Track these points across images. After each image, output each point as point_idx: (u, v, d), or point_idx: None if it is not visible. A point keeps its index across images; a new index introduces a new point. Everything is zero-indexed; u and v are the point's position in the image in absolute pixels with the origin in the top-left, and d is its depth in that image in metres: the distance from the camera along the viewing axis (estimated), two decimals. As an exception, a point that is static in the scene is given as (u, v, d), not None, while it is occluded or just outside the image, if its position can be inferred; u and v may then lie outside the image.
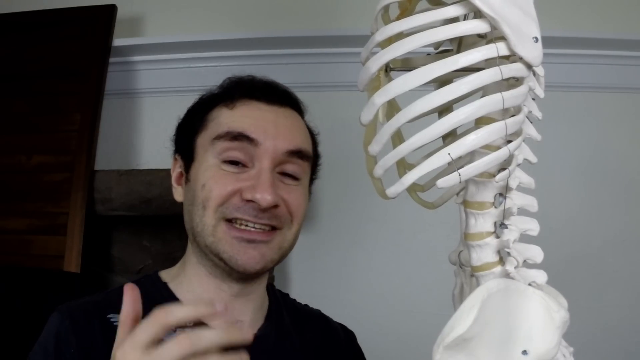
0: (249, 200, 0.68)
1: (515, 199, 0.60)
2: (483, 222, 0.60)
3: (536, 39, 0.53)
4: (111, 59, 1.54)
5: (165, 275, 0.77)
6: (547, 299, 0.58)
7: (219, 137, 0.71)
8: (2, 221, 1.44)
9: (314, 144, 0.80)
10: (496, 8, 0.51)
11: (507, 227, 0.59)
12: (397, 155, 0.54)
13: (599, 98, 1.59)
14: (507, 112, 0.56)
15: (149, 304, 0.71)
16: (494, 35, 0.54)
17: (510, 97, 0.53)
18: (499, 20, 0.51)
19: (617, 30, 1.57)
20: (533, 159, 0.61)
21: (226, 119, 0.72)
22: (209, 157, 0.71)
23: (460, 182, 0.54)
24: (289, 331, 0.79)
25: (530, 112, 0.60)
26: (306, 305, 0.89)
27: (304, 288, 1.61)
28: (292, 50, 1.59)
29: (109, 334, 0.66)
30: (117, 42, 1.56)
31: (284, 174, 0.73)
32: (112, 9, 1.55)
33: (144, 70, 1.64)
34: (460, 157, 0.54)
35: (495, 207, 0.60)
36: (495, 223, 0.60)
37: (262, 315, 0.78)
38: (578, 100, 1.59)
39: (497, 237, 0.60)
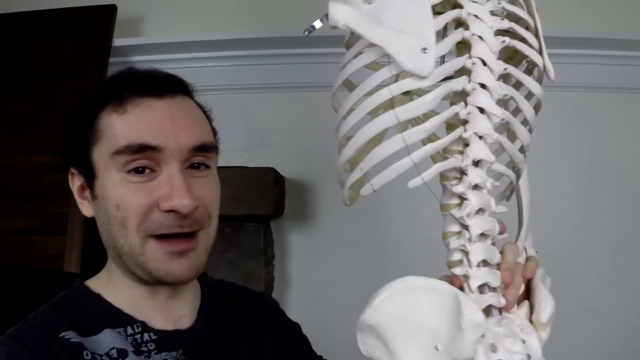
0: (168, 211, 0.65)
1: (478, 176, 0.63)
2: (451, 194, 0.64)
3: (424, 50, 0.59)
4: (111, 59, 1.53)
5: (94, 285, 0.72)
6: (463, 299, 0.58)
7: (118, 152, 0.65)
8: (2, 221, 1.45)
9: (210, 123, 0.75)
10: (378, 36, 0.60)
11: (467, 199, 0.62)
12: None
13: (599, 98, 1.59)
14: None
15: (88, 317, 0.67)
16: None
17: (402, 112, 0.61)
18: (384, 46, 0.60)
19: (617, 30, 1.57)
20: (489, 157, 0.62)
21: (120, 128, 0.66)
22: (112, 172, 0.66)
23: (373, 191, 0.64)
24: (224, 318, 0.78)
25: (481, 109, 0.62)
26: (232, 283, 0.88)
27: (304, 288, 1.61)
28: (292, 50, 1.59)
29: (69, 352, 0.63)
30: (117, 42, 1.56)
31: (194, 166, 0.69)
32: (112, 9, 1.55)
33: (144, 70, 1.64)
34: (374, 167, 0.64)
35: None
36: (460, 195, 0.63)
37: (196, 308, 0.76)
38: (578, 100, 1.59)
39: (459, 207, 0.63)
